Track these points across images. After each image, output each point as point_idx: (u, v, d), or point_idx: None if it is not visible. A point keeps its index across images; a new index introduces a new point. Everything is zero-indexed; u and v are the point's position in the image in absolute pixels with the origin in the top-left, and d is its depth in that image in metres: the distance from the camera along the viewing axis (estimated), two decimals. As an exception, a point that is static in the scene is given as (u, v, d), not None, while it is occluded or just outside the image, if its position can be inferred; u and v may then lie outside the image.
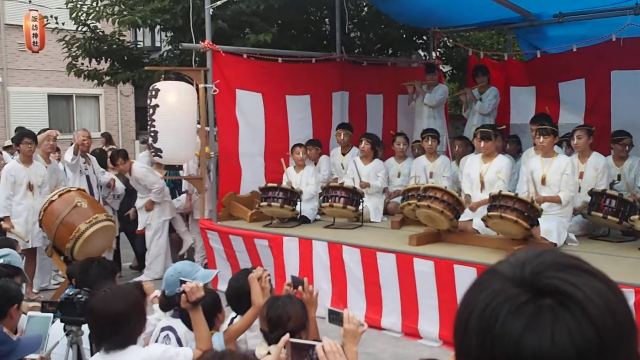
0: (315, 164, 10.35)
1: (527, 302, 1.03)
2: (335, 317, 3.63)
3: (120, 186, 10.21)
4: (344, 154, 10.26)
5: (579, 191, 8.04)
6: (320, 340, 3.01)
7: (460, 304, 1.13)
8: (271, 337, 3.62)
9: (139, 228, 10.19)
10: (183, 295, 4.03)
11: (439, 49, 13.41)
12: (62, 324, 4.17)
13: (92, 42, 12.58)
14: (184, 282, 4.14)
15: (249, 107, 9.88)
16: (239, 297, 4.61)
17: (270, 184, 8.99)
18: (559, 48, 11.11)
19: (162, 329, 4.45)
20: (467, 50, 13.00)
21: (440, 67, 13.32)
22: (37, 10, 18.15)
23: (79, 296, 4.20)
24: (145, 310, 3.98)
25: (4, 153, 13.16)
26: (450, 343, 6.68)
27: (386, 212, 9.60)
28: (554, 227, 7.18)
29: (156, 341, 4.37)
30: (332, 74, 11.13)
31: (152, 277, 9.72)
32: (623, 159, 8.66)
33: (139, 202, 10.12)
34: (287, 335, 3.12)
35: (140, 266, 10.49)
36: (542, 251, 1.12)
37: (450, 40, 13.87)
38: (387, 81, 11.94)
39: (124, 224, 10.51)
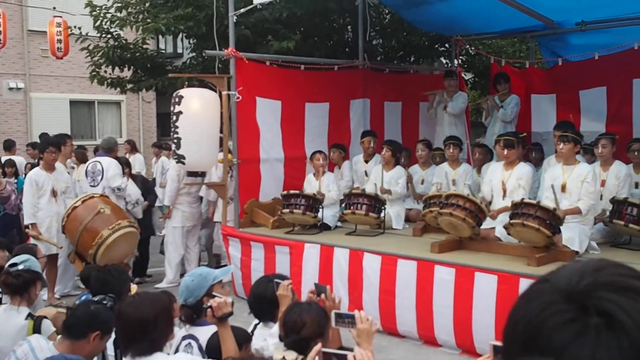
0: (339, 168, 10.38)
1: (575, 319, 1.03)
2: (346, 320, 3.64)
3: (134, 192, 10.16)
4: (366, 161, 10.27)
5: (601, 199, 8.03)
6: (346, 348, 3.03)
7: (511, 310, 1.14)
8: (285, 342, 3.64)
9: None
10: (209, 310, 4.00)
11: (461, 57, 13.41)
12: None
13: (115, 50, 12.66)
14: (214, 296, 4.11)
15: (268, 114, 9.93)
16: (261, 304, 4.62)
17: (292, 191, 9.03)
18: (581, 56, 11.08)
19: (184, 338, 4.44)
20: (489, 58, 12.99)
21: (462, 75, 13.30)
22: (61, 17, 18.33)
23: (104, 302, 4.25)
24: (173, 318, 3.99)
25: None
26: (468, 351, 6.75)
27: (408, 220, 9.60)
28: (575, 235, 7.16)
29: (177, 350, 4.35)
30: (353, 81, 11.16)
31: (165, 284, 9.79)
32: (640, 166, 8.67)
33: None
34: (319, 345, 3.13)
35: (134, 272, 10.51)
36: (604, 265, 1.11)
37: (472, 48, 13.87)
38: (409, 88, 11.94)
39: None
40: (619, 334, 1.01)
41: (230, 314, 3.98)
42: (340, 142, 10.62)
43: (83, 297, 5.56)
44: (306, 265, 8.42)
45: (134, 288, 5.45)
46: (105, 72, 13.19)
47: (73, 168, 11.24)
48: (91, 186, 9.62)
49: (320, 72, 10.61)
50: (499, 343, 2.93)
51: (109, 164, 9.91)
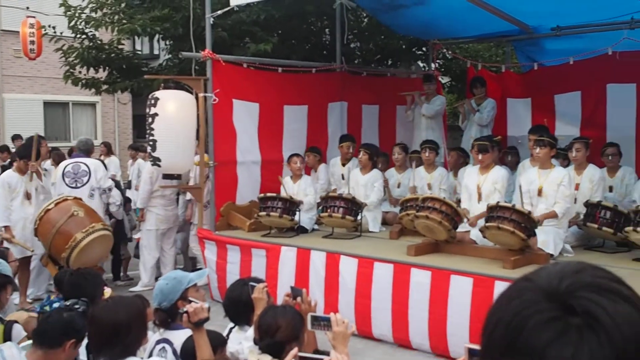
0: (315, 171, 10.38)
1: (556, 318, 1.04)
2: (318, 323, 3.64)
3: (118, 194, 10.10)
4: (344, 164, 10.27)
5: (575, 202, 8.09)
6: (321, 351, 3.02)
7: (491, 308, 1.14)
8: (260, 345, 3.63)
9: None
10: (185, 315, 3.97)
11: (438, 60, 13.45)
12: None
13: (90, 50, 12.56)
14: (190, 301, 4.09)
15: (246, 116, 9.89)
16: (236, 307, 4.61)
17: (269, 194, 9.01)
18: (556, 61, 11.15)
19: (158, 342, 4.41)
20: (466, 62, 13.05)
21: (439, 79, 13.36)
22: (34, 17, 18.17)
23: (76, 306, 4.20)
24: (147, 322, 3.96)
25: None
26: (442, 355, 6.76)
27: (384, 223, 9.61)
28: (550, 238, 7.21)
29: (150, 355, 4.32)
30: (331, 84, 11.16)
31: (140, 288, 9.73)
32: (614, 169, 8.75)
33: None
34: (296, 349, 3.12)
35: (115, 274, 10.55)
36: (585, 267, 1.12)
37: (450, 52, 13.92)
38: (386, 92, 11.96)
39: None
40: (600, 334, 1.01)
41: (207, 319, 3.96)
42: (317, 146, 10.61)
43: (47, 303, 5.49)
44: (282, 269, 8.40)
45: (107, 292, 5.41)
46: (80, 72, 13.08)
47: (47, 170, 11.10)
48: (72, 187, 9.44)
49: (298, 75, 10.61)
50: (474, 346, 2.94)
51: (97, 165, 9.85)
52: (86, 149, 10.09)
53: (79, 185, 9.49)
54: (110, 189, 9.70)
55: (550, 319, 1.04)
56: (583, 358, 1.01)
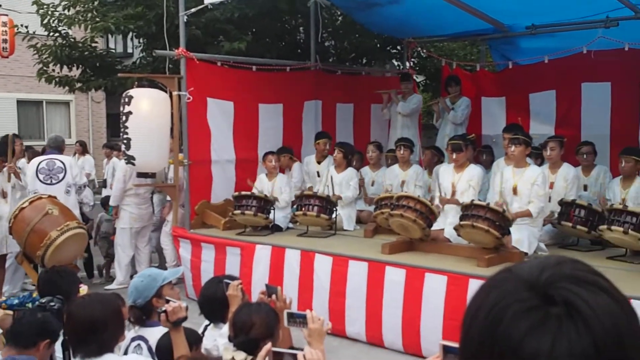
0: (289, 170, 10.37)
1: (536, 307, 1.04)
2: (294, 320, 3.64)
3: (90, 194, 10.03)
4: (319, 162, 10.26)
5: (549, 201, 8.14)
6: (296, 348, 3.02)
7: (471, 298, 1.14)
8: (235, 342, 3.61)
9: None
10: (163, 315, 3.95)
11: (412, 59, 13.48)
12: None
13: (63, 48, 12.47)
14: (169, 301, 4.08)
15: (220, 115, 9.86)
16: (211, 305, 4.59)
17: (244, 192, 8.98)
18: (531, 59, 11.21)
19: (133, 339, 4.39)
20: (440, 61, 13.09)
21: (414, 77, 13.39)
22: (7, 15, 18.00)
23: (52, 304, 4.16)
24: (124, 319, 3.94)
25: None
26: (414, 354, 6.77)
27: (359, 221, 9.62)
28: (525, 237, 7.24)
29: (126, 352, 4.30)
30: (305, 82, 11.14)
31: (115, 286, 9.66)
32: (589, 168, 8.80)
33: None
34: (269, 344, 3.11)
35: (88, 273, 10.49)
36: (564, 260, 1.13)
37: (424, 51, 13.95)
38: (360, 90, 11.97)
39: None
40: (579, 323, 1.02)
41: (185, 318, 3.98)
42: (292, 144, 10.60)
43: (30, 300, 5.44)
44: (257, 267, 8.38)
45: (83, 289, 5.37)
46: (54, 70, 12.98)
47: (20, 168, 10.99)
48: (46, 184, 9.34)
49: (272, 74, 10.58)
50: (449, 343, 2.94)
51: (71, 162, 9.84)
52: (56, 146, 10.02)
53: (53, 182, 9.40)
54: (85, 186, 9.65)
55: (530, 308, 1.05)
56: (562, 347, 1.01)
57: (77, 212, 9.41)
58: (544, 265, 1.11)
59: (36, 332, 3.95)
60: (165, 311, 3.89)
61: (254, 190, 9.24)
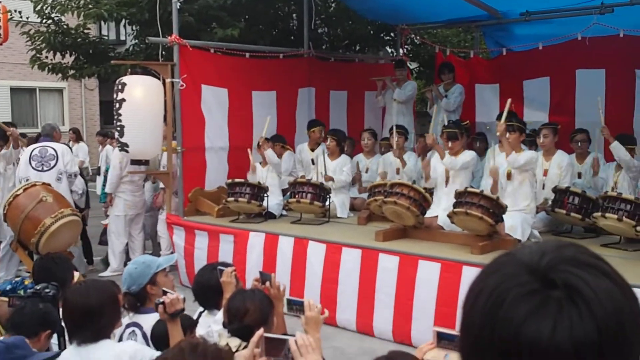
0: (280, 159, 10.34)
1: (537, 290, 1.04)
2: (294, 307, 3.65)
3: (80, 182, 10.01)
4: (312, 150, 10.25)
5: (543, 188, 8.15)
6: (290, 335, 3.01)
7: (473, 281, 1.14)
8: (229, 329, 3.61)
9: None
10: (161, 306, 3.95)
11: (406, 46, 13.46)
12: None
13: (57, 35, 12.43)
14: (166, 292, 4.07)
15: (214, 102, 9.84)
16: (205, 292, 4.59)
17: (237, 180, 8.97)
18: (525, 46, 11.20)
19: (127, 325, 4.39)
20: (434, 48, 13.06)
21: (408, 64, 13.36)
22: (0, 2, 17.88)
23: (47, 290, 4.16)
24: (120, 305, 3.95)
25: None
26: (402, 342, 6.75)
27: (352, 208, 9.62)
28: (518, 224, 7.25)
29: (120, 338, 4.30)
30: (299, 70, 11.11)
31: (109, 273, 9.66)
32: (583, 155, 8.80)
33: None
34: (261, 330, 3.10)
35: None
36: (566, 244, 1.13)
37: (418, 37, 13.92)
38: (354, 78, 11.94)
39: None
40: (582, 306, 1.02)
41: (182, 310, 3.96)
42: (285, 132, 10.58)
43: (22, 287, 5.43)
44: (251, 254, 8.38)
45: (77, 276, 5.37)
46: (47, 57, 12.93)
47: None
48: (38, 171, 9.34)
49: (266, 61, 10.55)
50: (442, 329, 2.94)
51: (64, 150, 9.80)
52: (48, 133, 10.01)
53: (45, 168, 9.40)
54: (75, 175, 9.62)
55: (530, 292, 1.05)
56: (563, 331, 1.01)
57: (69, 200, 9.43)
58: (545, 249, 1.11)
59: (38, 322, 3.98)
60: (163, 302, 3.89)
61: (249, 173, 9.25)
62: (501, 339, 1.04)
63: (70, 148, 11.01)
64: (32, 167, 9.38)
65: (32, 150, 9.58)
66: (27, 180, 9.00)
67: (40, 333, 3.96)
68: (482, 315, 1.07)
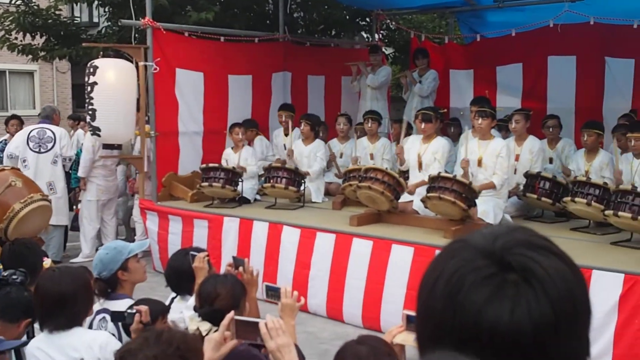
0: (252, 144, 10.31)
1: (494, 274, 1.06)
2: (273, 293, 3.67)
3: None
4: (286, 135, 10.22)
5: (515, 173, 8.22)
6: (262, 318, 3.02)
7: (428, 268, 1.16)
8: (200, 313, 3.61)
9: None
10: (137, 315, 3.88)
11: (381, 31, 13.45)
12: None
13: (27, 16, 12.27)
14: (139, 303, 4.00)
15: (189, 86, 9.78)
16: (178, 277, 4.58)
17: (211, 164, 8.94)
18: (498, 33, 11.26)
19: (98, 312, 4.35)
20: (409, 33, 13.06)
21: (383, 50, 13.36)
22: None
23: (14, 277, 4.12)
24: (92, 293, 3.92)
25: None
26: (370, 328, 6.76)
27: (328, 193, 9.62)
28: (490, 209, 7.31)
29: (90, 326, 4.27)
30: (274, 54, 11.07)
31: (81, 259, 9.60)
32: (555, 141, 8.87)
33: None
34: (232, 313, 3.10)
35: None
36: (516, 228, 1.16)
37: (393, 23, 13.92)
38: (330, 62, 11.91)
39: None
40: (537, 287, 1.05)
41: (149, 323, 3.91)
42: (258, 117, 10.55)
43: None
44: (225, 239, 8.37)
45: (47, 262, 5.32)
46: (16, 38, 12.77)
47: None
48: (35, 152, 9.56)
49: (241, 44, 10.51)
50: (412, 312, 2.95)
51: (62, 133, 9.96)
52: (46, 115, 10.19)
53: (42, 150, 9.65)
54: (70, 159, 9.78)
55: (487, 277, 1.06)
56: (521, 313, 1.03)
57: (62, 184, 9.78)
58: (497, 233, 1.13)
59: (22, 310, 3.94)
60: (139, 312, 3.82)
61: (223, 157, 9.23)
62: (462, 324, 1.05)
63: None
64: (30, 149, 9.61)
65: (31, 132, 9.73)
66: (25, 161, 9.35)
67: (22, 320, 3.92)
68: (442, 301, 1.09)
